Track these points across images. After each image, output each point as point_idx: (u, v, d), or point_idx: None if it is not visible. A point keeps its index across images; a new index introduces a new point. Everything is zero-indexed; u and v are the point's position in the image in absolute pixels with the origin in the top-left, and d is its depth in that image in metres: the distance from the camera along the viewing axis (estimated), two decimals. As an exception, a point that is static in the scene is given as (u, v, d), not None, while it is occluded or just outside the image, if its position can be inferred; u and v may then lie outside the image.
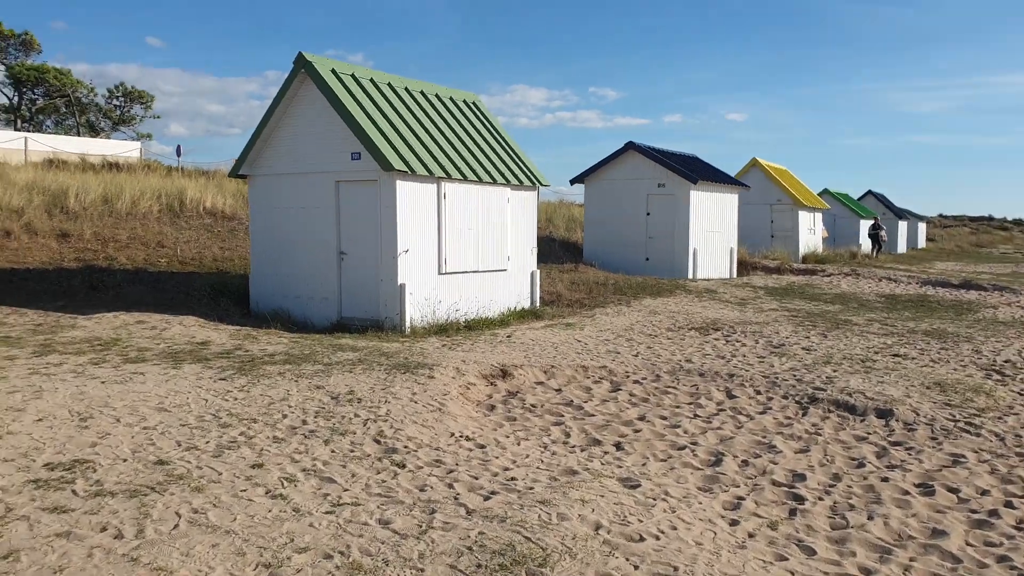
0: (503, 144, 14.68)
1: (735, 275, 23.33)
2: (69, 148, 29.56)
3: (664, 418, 7.64)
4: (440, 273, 12.31)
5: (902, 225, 50.75)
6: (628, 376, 9.37)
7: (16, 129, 40.74)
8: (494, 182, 13.41)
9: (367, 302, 11.94)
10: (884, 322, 14.43)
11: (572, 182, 23.72)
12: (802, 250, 30.88)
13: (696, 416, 7.77)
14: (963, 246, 59.64)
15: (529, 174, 14.51)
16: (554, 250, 22.68)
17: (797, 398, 8.49)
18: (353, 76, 12.59)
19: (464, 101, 15.02)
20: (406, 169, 11.48)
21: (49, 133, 42.87)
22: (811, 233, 32.56)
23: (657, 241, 22.08)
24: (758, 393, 8.74)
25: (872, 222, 38.97)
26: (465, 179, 12.71)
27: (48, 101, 50.83)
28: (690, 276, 21.52)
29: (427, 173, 11.88)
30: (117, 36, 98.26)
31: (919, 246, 55.18)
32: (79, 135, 43.97)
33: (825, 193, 42.26)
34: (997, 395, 8.78)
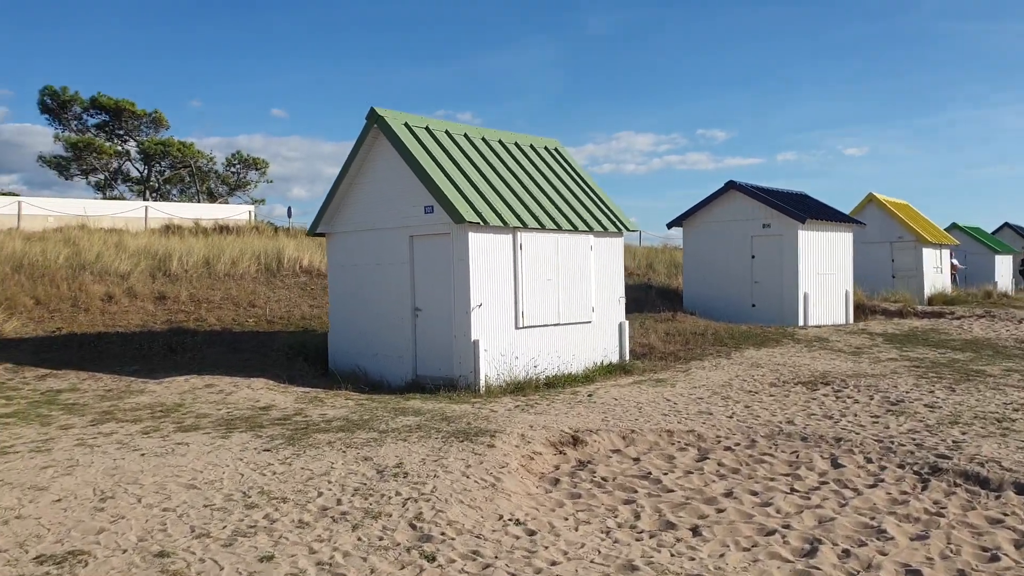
0: (585, 189, 14.07)
1: (851, 320, 21.53)
2: (185, 214, 31.25)
3: (755, 493, 6.63)
4: (518, 327, 11.71)
5: (1046, 259, 46.27)
6: (719, 441, 8.36)
7: (144, 199, 43.74)
8: (575, 229, 12.78)
9: (441, 360, 11.47)
10: (1026, 372, 12.63)
11: (669, 226, 22.74)
12: (928, 291, 28.39)
13: (793, 491, 6.71)
14: (1121, 280, 53.75)
15: (614, 219, 13.80)
16: (651, 298, 21.69)
17: (916, 467, 7.25)
18: (427, 129, 12.39)
19: (545, 148, 14.57)
20: (478, 220, 11.05)
21: (173, 201, 45.80)
22: (938, 272, 29.97)
23: (763, 286, 20.70)
24: (869, 461, 7.55)
25: (1022, 260, 34.76)
26: (542, 227, 12.15)
27: (173, 172, 54.54)
28: (800, 323, 19.96)
29: (501, 223, 11.41)
30: (245, 110, 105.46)
31: (1067, 281, 50.10)
32: (199, 202, 46.74)
33: (953, 228, 39.12)
34: None
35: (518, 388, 11.13)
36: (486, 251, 11.31)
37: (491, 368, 11.19)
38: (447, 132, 12.69)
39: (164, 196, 53.08)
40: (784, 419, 9.32)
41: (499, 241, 11.53)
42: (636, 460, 7.69)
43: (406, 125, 12.12)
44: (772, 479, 7.07)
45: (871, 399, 10.59)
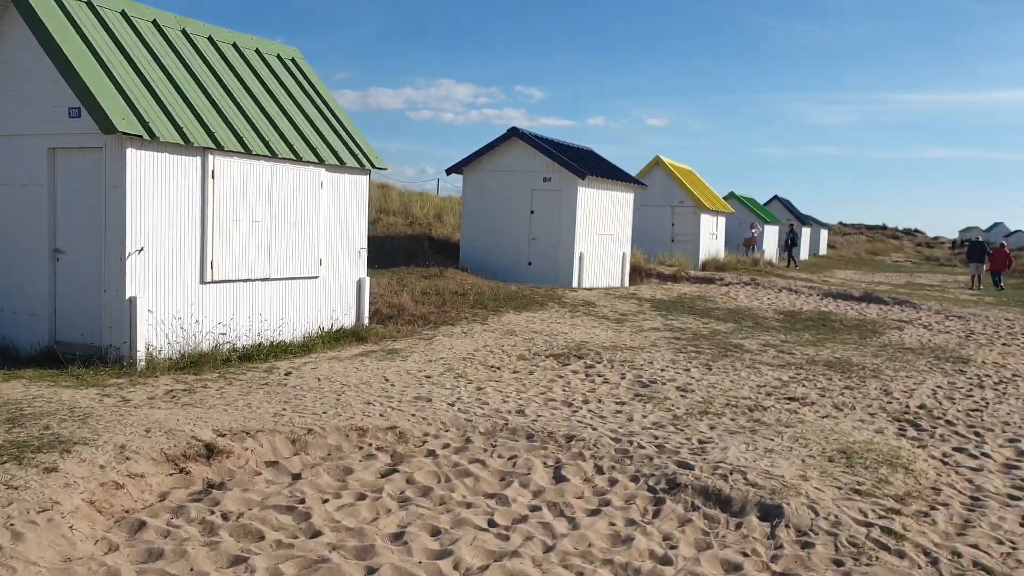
0: (324, 113, 11.58)
1: (627, 283, 20.94)
2: None
3: (436, 533, 4.81)
4: (204, 282, 9.14)
5: (805, 231, 50.19)
6: (423, 442, 6.52)
7: None
8: (297, 159, 10.30)
9: (88, 321, 8.65)
10: (780, 348, 12.12)
11: (449, 171, 20.73)
12: (702, 256, 28.93)
13: (490, 526, 4.97)
14: (860, 254, 60.01)
15: (357, 152, 11.48)
16: (424, 251, 19.74)
17: (652, 480, 5.83)
18: (90, 4, 9.15)
19: (279, 56, 11.81)
20: (141, 132, 8.25)
21: None
22: (713, 238, 30.70)
23: (541, 243, 19.41)
24: (599, 471, 6.04)
25: (788, 228, 36.18)
26: (248, 152, 9.55)
27: None
28: (575, 284, 18.94)
29: (181, 140, 8.68)
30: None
31: (821, 252, 54.95)
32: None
33: (731, 197, 40.81)
34: (917, 468, 6.38)
35: (196, 362, 8.63)
36: (156, 177, 8.55)
37: (159, 335, 8.59)
38: (124, 13, 9.52)
39: None
40: (516, 406, 7.69)
41: (179, 164, 8.80)
42: (296, 478, 5.62)
43: (58, -3, 8.88)
44: (470, 504, 5.30)
45: (622, 378, 9.32)
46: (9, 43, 9.00)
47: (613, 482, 5.83)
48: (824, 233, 58.16)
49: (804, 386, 9.37)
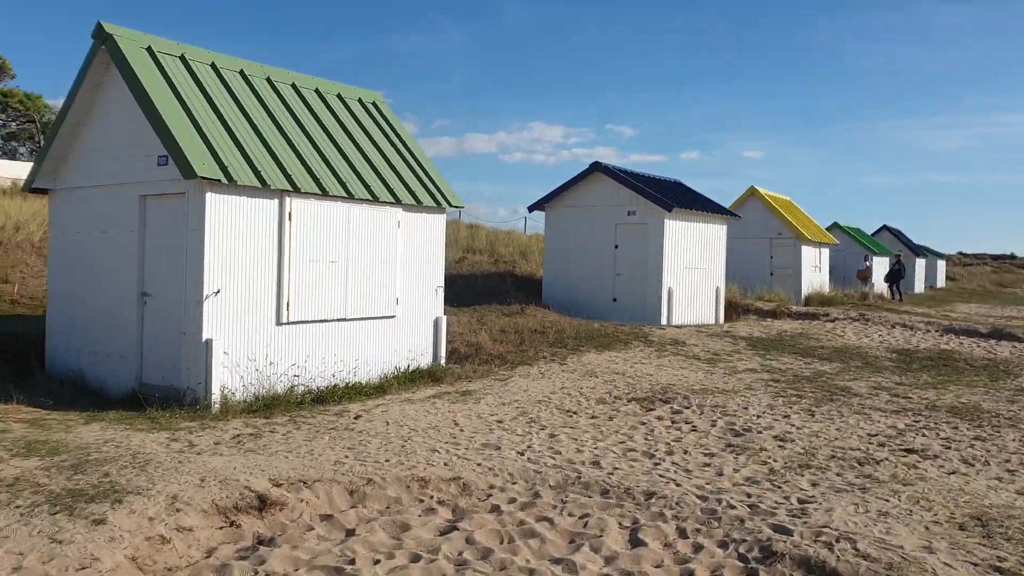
0: (403, 153, 11.43)
1: (721, 320, 19.87)
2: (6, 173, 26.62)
3: (492, 603, 4.23)
4: (281, 323, 8.97)
5: (919, 263, 47.15)
6: (488, 495, 5.97)
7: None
8: (374, 199, 10.13)
9: (169, 364, 8.60)
10: (895, 391, 10.95)
11: (531, 208, 20.40)
12: (805, 290, 27.35)
13: (552, 597, 4.36)
14: (985, 285, 55.78)
15: (434, 191, 11.24)
16: (506, 288, 19.34)
17: (743, 547, 5.07)
18: (182, 58, 9.43)
19: (360, 100, 11.81)
20: (220, 176, 8.23)
21: (21, 160, 39.99)
22: (816, 271, 29.07)
23: (626, 279, 18.68)
24: (682, 535, 5.32)
25: (896, 259, 33.70)
26: (324, 193, 9.43)
27: (20, 126, 48.56)
28: (663, 321, 18.06)
29: (258, 183, 8.63)
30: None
31: (938, 285, 51.44)
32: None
33: (835, 227, 38.81)
34: (1074, 539, 5.33)
35: (269, 405, 8.41)
36: (234, 219, 8.51)
37: (234, 377, 8.43)
38: (213, 65, 9.76)
39: (10, 154, 47.03)
40: (591, 457, 7.04)
41: (256, 207, 8.74)
42: (349, 534, 5.17)
43: (148, 49, 9.15)
44: (532, 571, 4.70)
45: (713, 425, 8.50)
46: (108, 98, 9.30)
47: (698, 548, 5.10)
48: (941, 264, 54.50)
49: (924, 436, 8.30)
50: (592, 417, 8.74)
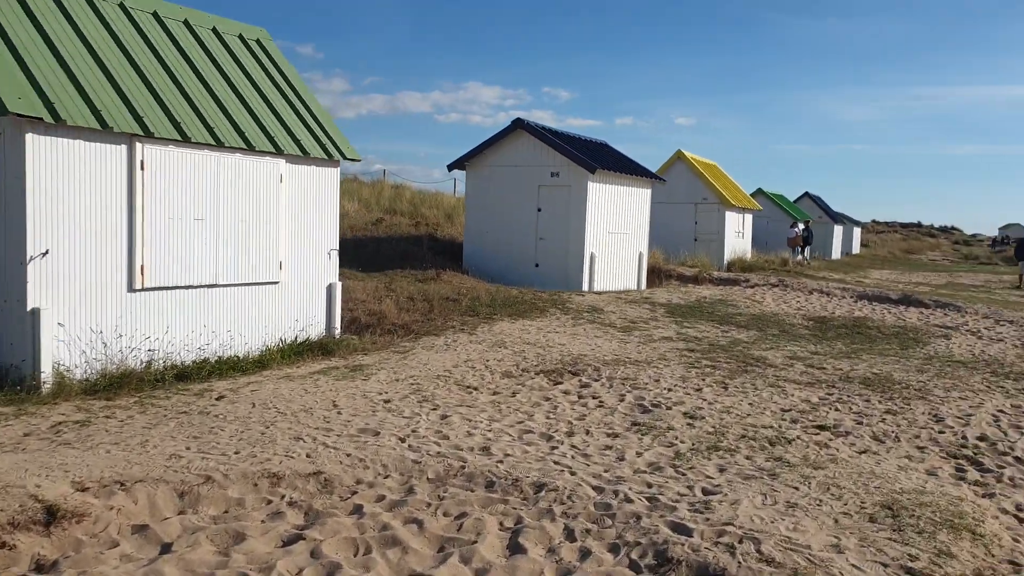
0: (289, 98, 10.30)
1: (643, 286, 19.45)
2: None
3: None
4: (133, 289, 7.89)
5: (838, 229, 48.19)
6: (353, 493, 5.18)
7: None
8: (249, 148, 9.03)
9: (-2, 337, 7.44)
10: (809, 361, 10.60)
11: (450, 167, 19.41)
12: (728, 256, 27.29)
13: (403, 626, 3.61)
14: (895, 252, 57.67)
15: (327, 141, 10.19)
16: (423, 252, 18.42)
17: (636, 552, 4.43)
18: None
19: (240, 36, 10.53)
20: (43, 114, 7.01)
21: None
22: (739, 236, 29.03)
23: (549, 244, 17.99)
24: (570, 537, 4.65)
25: (803, 225, 34.71)
26: (186, 139, 8.28)
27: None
28: (586, 287, 17.51)
29: (97, 125, 7.43)
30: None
31: (854, 251, 52.79)
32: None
33: (759, 193, 39.02)
34: (987, 532, 4.90)
35: (120, 383, 7.37)
36: (67, 166, 7.29)
37: (73, 352, 7.33)
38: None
39: None
40: (482, 442, 6.32)
41: (97, 152, 7.52)
42: (165, 549, 4.30)
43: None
44: (385, 591, 3.94)
45: (621, 400, 7.90)
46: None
47: (585, 554, 4.44)
48: (857, 231, 55.95)
49: (837, 410, 7.89)
50: (494, 393, 8.02)
